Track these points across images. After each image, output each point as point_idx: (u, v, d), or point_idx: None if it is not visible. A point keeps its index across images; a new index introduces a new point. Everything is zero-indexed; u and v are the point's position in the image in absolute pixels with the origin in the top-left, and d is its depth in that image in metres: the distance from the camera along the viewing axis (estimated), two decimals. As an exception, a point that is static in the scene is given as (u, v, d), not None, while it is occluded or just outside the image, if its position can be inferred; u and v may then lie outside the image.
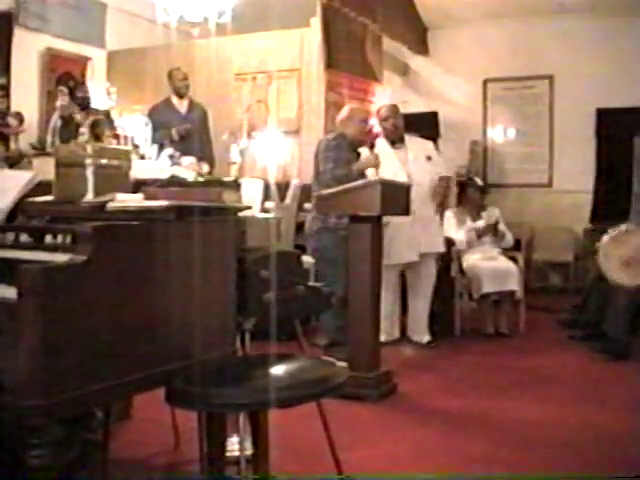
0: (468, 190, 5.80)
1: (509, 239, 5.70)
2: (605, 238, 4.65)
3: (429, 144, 5.34)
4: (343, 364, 1.99)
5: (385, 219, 4.53)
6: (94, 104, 6.06)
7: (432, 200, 4.99)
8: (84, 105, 5.97)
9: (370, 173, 4.65)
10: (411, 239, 4.89)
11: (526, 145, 8.20)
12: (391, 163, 4.91)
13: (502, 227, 5.65)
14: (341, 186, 4.01)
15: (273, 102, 6.68)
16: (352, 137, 4.70)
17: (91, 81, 6.94)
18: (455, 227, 5.55)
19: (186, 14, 5.64)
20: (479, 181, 5.94)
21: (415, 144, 5.14)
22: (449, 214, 5.61)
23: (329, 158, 4.52)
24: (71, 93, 6.23)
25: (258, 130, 6.27)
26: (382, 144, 5.04)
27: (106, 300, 1.69)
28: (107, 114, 5.42)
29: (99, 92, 6.33)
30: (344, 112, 4.87)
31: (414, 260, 4.95)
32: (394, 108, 5.12)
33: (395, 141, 5.04)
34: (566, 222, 7.70)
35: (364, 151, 4.80)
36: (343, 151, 4.60)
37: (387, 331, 4.91)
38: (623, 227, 4.69)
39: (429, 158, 5.05)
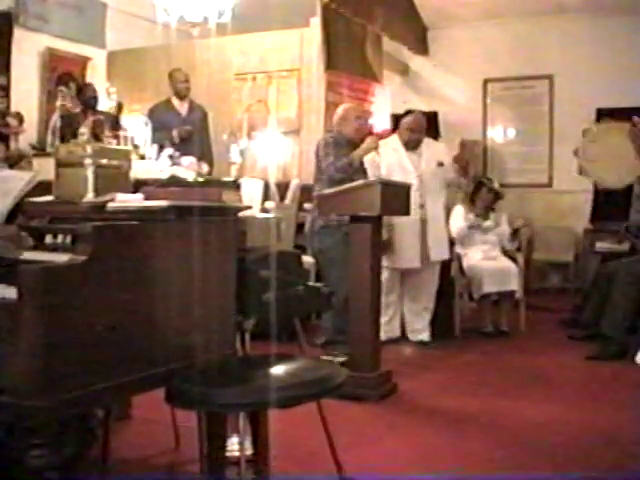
0: (482, 189, 5.74)
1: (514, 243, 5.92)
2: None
3: (441, 148, 5.31)
4: (341, 358, 1.99)
5: (388, 221, 4.55)
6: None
7: (455, 165, 5.04)
8: (92, 104, 5.98)
9: (370, 158, 4.67)
10: (417, 245, 4.89)
11: (526, 145, 8.19)
12: (402, 166, 4.91)
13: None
14: (344, 176, 4.24)
15: (273, 102, 6.68)
16: (349, 136, 4.69)
17: (91, 81, 6.95)
18: (461, 219, 5.56)
19: (186, 14, 5.63)
20: (496, 184, 5.91)
21: (429, 149, 5.09)
22: (459, 207, 5.64)
23: (329, 154, 4.55)
24: (78, 93, 6.25)
25: (258, 130, 6.28)
26: (396, 142, 5.03)
27: (106, 300, 1.69)
28: (112, 114, 5.44)
29: (99, 92, 6.36)
30: (339, 112, 4.83)
31: (416, 266, 4.95)
32: (418, 122, 5.02)
33: (409, 146, 5.03)
34: (566, 222, 7.69)
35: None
36: (341, 147, 4.59)
37: (387, 330, 4.92)
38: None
39: (440, 164, 5.02)
